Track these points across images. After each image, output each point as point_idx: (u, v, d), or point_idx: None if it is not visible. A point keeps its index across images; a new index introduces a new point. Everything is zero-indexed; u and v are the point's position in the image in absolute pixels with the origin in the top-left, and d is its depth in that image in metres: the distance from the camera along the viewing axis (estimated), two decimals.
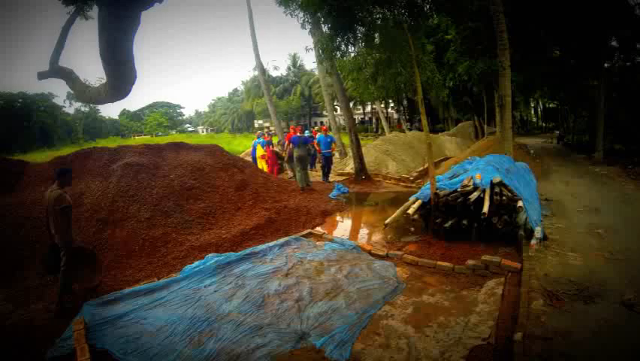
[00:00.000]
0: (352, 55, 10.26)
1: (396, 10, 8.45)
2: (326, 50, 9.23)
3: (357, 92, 23.85)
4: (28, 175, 8.25)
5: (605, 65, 16.82)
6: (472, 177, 7.19)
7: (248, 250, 6.66)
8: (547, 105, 44.67)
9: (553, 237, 6.70)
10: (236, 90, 74.82)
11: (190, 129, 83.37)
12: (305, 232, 7.83)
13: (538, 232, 6.36)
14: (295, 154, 11.67)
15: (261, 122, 64.72)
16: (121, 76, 3.73)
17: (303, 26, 9.81)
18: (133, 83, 3.98)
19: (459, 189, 7.02)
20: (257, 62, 23.09)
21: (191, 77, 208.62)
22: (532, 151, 20.04)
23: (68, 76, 5.14)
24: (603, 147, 16.70)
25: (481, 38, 15.65)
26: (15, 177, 8.13)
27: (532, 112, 54.54)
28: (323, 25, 9.82)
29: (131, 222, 7.22)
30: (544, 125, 48.27)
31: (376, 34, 8.99)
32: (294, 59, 61.45)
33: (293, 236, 7.49)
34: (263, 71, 25.19)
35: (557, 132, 29.67)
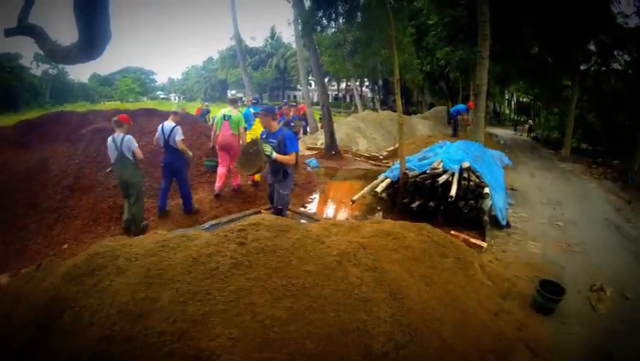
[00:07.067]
0: (332, 31, 10.20)
1: None
2: (307, 24, 9.13)
3: (333, 67, 23.77)
4: None
5: (582, 67, 17.17)
6: (441, 161, 7.34)
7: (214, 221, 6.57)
8: (520, 99, 45.62)
9: (515, 225, 6.98)
10: (211, 59, 72.56)
11: (162, 96, 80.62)
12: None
13: (502, 219, 6.63)
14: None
15: (234, 92, 63.57)
16: (94, 33, 3.54)
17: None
18: (107, 43, 3.79)
19: (428, 171, 7.18)
20: (234, 31, 22.57)
21: (167, 44, 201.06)
22: (502, 141, 20.51)
23: (38, 34, 4.85)
24: (571, 145, 17.28)
25: (463, 26, 15.73)
26: None
27: (506, 104, 55.57)
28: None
29: (99, 189, 7.06)
30: (516, 118, 49.38)
31: (358, 13, 8.93)
32: (272, 30, 60.77)
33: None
34: (240, 40, 24.71)
35: (528, 124, 30.16)
